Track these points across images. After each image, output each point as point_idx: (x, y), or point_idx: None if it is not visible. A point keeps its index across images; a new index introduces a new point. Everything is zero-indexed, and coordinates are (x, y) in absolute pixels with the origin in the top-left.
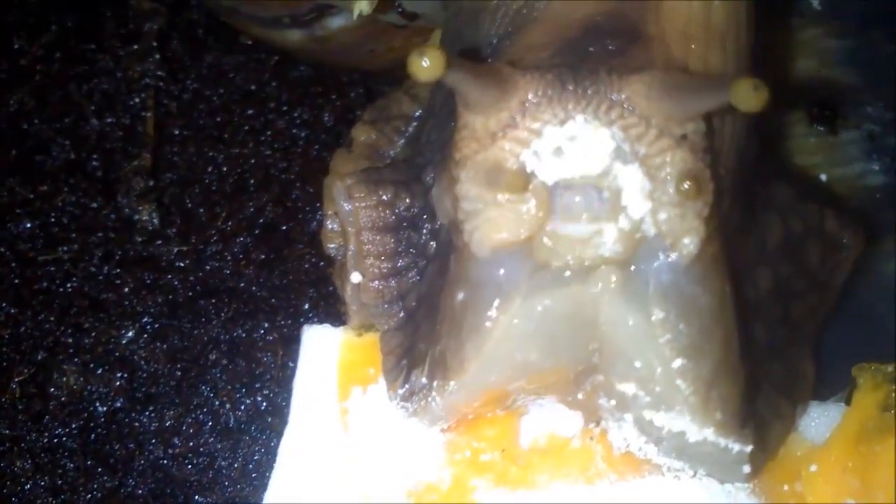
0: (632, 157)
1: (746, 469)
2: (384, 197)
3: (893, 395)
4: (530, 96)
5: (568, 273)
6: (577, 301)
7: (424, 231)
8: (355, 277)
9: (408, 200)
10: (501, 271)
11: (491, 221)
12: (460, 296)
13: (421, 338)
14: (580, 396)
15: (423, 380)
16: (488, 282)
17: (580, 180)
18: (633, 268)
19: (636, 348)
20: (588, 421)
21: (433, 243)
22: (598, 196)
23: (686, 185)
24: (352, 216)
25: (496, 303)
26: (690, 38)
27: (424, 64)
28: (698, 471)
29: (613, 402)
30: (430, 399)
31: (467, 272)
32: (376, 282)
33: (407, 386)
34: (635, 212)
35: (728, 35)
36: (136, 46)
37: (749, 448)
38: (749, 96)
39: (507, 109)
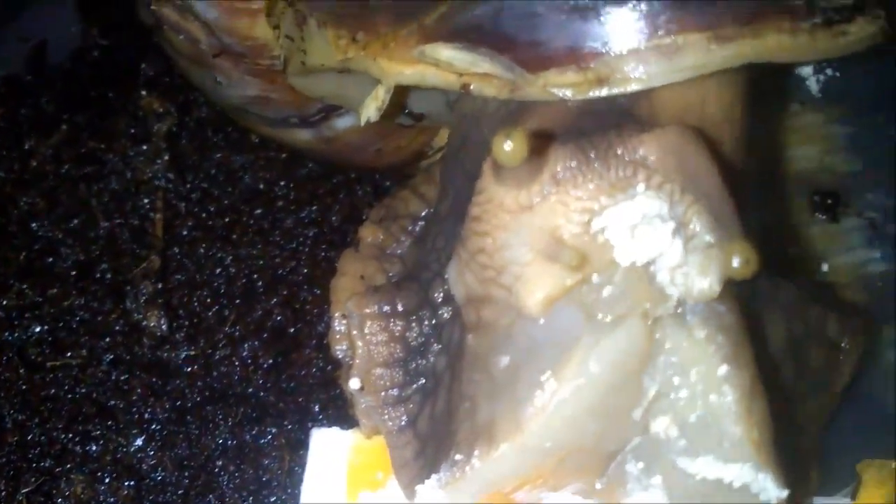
0: (669, 216)
1: None
2: (396, 331)
3: None
4: (559, 168)
5: (621, 318)
6: (632, 344)
7: (432, 353)
8: (354, 384)
9: (417, 329)
10: (557, 326)
11: (544, 275)
12: (504, 360)
13: (440, 433)
14: (598, 486)
15: (458, 456)
16: (544, 338)
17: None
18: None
19: (687, 366)
20: None
21: (442, 359)
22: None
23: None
24: (363, 351)
25: (558, 359)
26: (687, 123)
27: (507, 148)
28: None
29: (641, 465)
30: (467, 469)
31: (512, 335)
32: (388, 409)
33: (436, 474)
34: (675, 263)
35: (724, 124)
36: (145, 147)
37: (785, 493)
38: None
39: (538, 182)
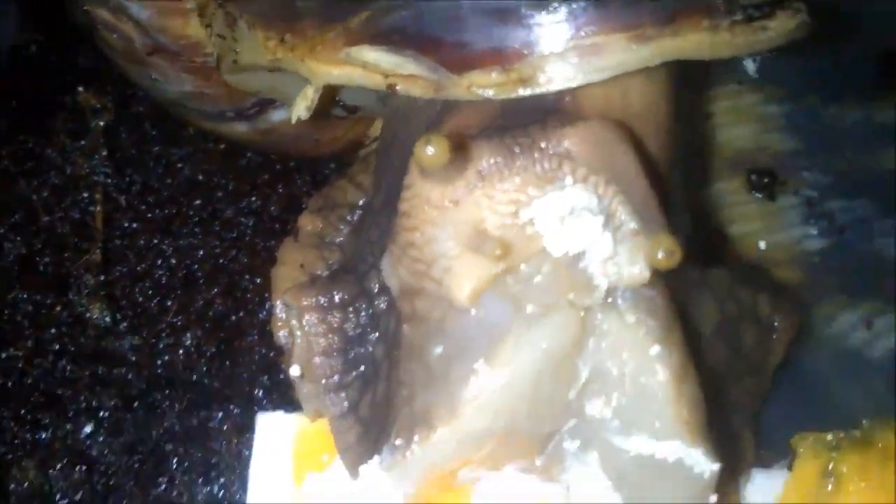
0: (598, 209)
1: (713, 500)
2: (334, 323)
3: (833, 463)
4: (484, 164)
5: (550, 307)
6: (561, 332)
7: (370, 341)
8: (295, 371)
9: (354, 320)
10: (487, 316)
11: (470, 267)
12: (438, 350)
13: (381, 419)
14: (538, 463)
15: (398, 441)
16: (475, 329)
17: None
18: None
19: (618, 349)
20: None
21: (380, 347)
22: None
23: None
24: (302, 342)
25: (490, 348)
26: (610, 117)
27: (429, 153)
28: None
29: (578, 444)
30: (408, 453)
31: (444, 326)
32: (329, 395)
33: (378, 455)
34: (607, 255)
35: (648, 115)
36: (83, 142)
37: (717, 466)
38: (661, 257)
39: (464, 178)
